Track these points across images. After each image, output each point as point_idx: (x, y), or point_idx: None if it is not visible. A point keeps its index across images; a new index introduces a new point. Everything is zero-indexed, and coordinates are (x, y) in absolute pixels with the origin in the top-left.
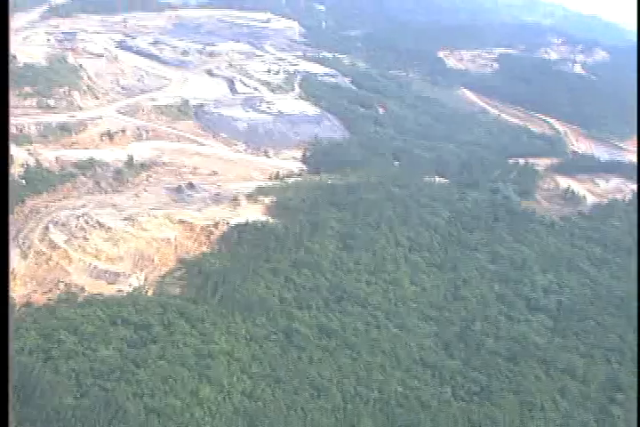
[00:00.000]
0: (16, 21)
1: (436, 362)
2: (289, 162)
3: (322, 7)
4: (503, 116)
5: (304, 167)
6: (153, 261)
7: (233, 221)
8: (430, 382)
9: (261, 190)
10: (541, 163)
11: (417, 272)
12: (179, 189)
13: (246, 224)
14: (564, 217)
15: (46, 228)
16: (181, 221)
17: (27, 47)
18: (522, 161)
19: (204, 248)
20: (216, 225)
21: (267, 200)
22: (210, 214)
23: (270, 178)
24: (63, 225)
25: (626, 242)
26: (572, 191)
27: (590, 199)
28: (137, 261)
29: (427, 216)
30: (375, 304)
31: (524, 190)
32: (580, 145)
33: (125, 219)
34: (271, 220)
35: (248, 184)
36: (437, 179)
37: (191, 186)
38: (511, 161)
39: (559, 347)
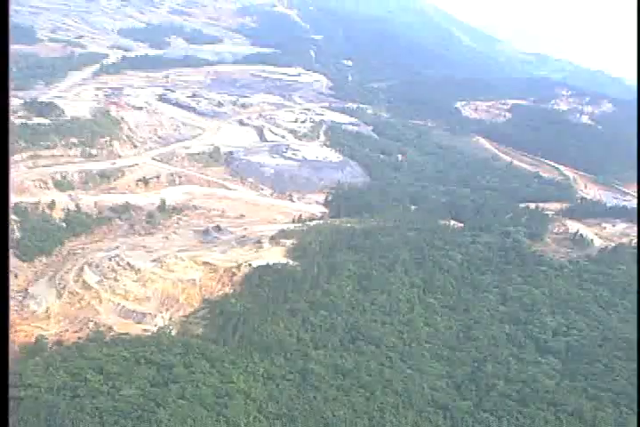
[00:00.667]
0: (70, 79)
1: (448, 403)
2: (312, 206)
3: (349, 62)
4: (515, 162)
5: (326, 211)
6: (178, 301)
7: (255, 263)
8: (442, 424)
9: (284, 233)
10: (551, 207)
11: (430, 313)
12: (206, 232)
13: (267, 266)
14: (573, 260)
15: (81, 269)
16: (206, 263)
17: (75, 102)
18: (532, 205)
19: (227, 289)
20: (239, 267)
21: (288, 243)
22: (233, 256)
23: (293, 221)
24: (97, 266)
25: (633, 285)
26: (581, 235)
27: (598, 243)
28: (163, 301)
29: (440, 259)
30: (389, 344)
31: (534, 234)
32: (589, 190)
33: (154, 260)
34: (291, 262)
35: (272, 227)
36: (452, 222)
37: (218, 229)
38: (522, 205)
39: (568, 390)
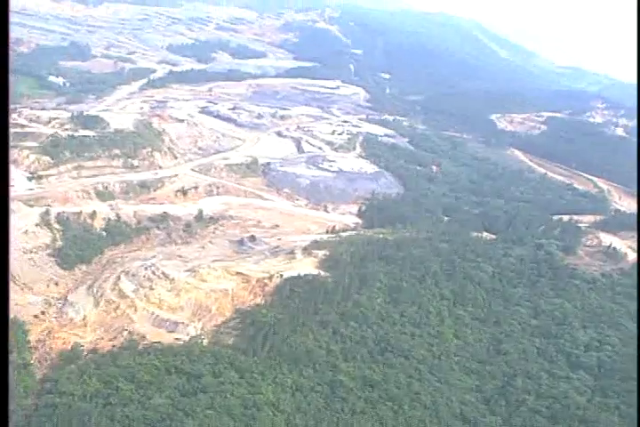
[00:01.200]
0: (118, 93)
1: (477, 418)
2: (346, 216)
3: (387, 75)
4: (549, 174)
5: (359, 221)
6: (210, 311)
7: (287, 274)
8: None
9: (316, 244)
10: (585, 220)
11: (460, 326)
12: (241, 242)
13: (299, 277)
14: (606, 273)
15: (118, 277)
16: (239, 274)
17: (120, 115)
18: (566, 218)
19: (259, 300)
20: (270, 278)
21: (320, 254)
22: (266, 267)
23: (327, 231)
24: (133, 275)
25: None
26: (614, 248)
27: (632, 256)
28: (196, 310)
29: (471, 271)
30: (418, 357)
31: (567, 247)
32: (623, 202)
33: (188, 270)
34: (322, 273)
35: (306, 237)
36: (484, 234)
37: (253, 239)
38: (556, 217)
39: (599, 407)
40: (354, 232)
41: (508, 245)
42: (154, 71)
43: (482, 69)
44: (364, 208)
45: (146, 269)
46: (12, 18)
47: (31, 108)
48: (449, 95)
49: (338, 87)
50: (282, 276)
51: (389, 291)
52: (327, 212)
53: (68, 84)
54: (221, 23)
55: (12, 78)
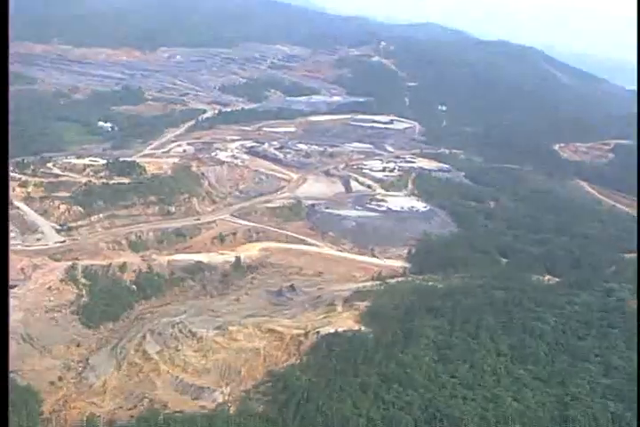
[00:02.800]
0: (165, 136)
1: None
2: (393, 261)
3: (443, 107)
4: (619, 206)
5: (408, 266)
6: (240, 373)
7: (324, 330)
8: None
9: (359, 294)
10: None
11: (520, 387)
12: (279, 293)
13: (337, 334)
14: None
15: (143, 337)
16: (271, 331)
17: (158, 159)
18: None
19: (293, 359)
20: (306, 335)
21: (362, 305)
22: (303, 322)
23: (372, 278)
24: (159, 334)
25: None
26: None
27: None
28: (224, 373)
29: (531, 323)
30: (471, 425)
31: None
32: None
33: (217, 328)
34: (363, 328)
35: (349, 286)
36: (546, 277)
37: (292, 289)
38: (627, 256)
39: None
40: (401, 278)
41: (573, 290)
42: (204, 112)
43: (544, 97)
44: (413, 251)
45: (173, 327)
46: (72, 66)
47: (67, 157)
48: (509, 126)
49: (391, 122)
50: (318, 333)
51: (438, 348)
52: (374, 256)
53: (116, 129)
54: (275, 61)
55: (62, 125)
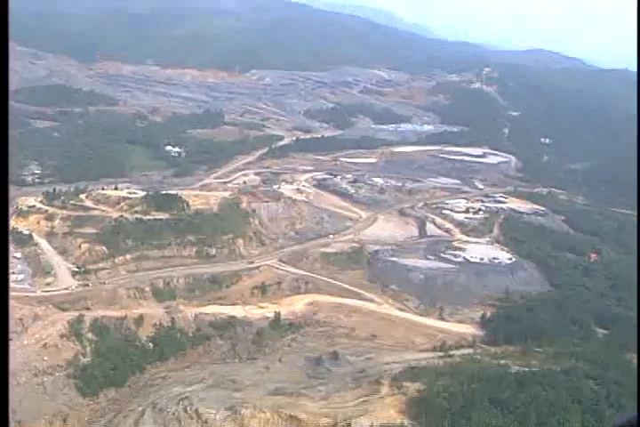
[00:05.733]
0: (233, 164)
1: None
2: (463, 326)
3: (547, 140)
4: None
5: (480, 334)
6: None
7: (357, 422)
8: None
9: (412, 371)
10: None
11: None
12: (318, 361)
13: None
14: None
15: (143, 413)
16: (292, 417)
17: (211, 193)
18: None
19: None
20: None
21: (412, 388)
22: (334, 406)
23: (434, 348)
24: (160, 411)
25: None
26: None
27: None
28: None
29: None
30: None
31: None
32: None
33: (229, 408)
34: (406, 422)
35: (403, 356)
36: None
37: (335, 356)
38: None
39: None
40: (469, 351)
41: None
42: (281, 139)
43: None
44: (489, 314)
45: (178, 403)
46: (156, 87)
47: (103, 188)
48: (621, 163)
49: (484, 155)
50: (349, 425)
51: None
52: (441, 318)
53: (183, 155)
54: (368, 86)
55: (130, 149)
